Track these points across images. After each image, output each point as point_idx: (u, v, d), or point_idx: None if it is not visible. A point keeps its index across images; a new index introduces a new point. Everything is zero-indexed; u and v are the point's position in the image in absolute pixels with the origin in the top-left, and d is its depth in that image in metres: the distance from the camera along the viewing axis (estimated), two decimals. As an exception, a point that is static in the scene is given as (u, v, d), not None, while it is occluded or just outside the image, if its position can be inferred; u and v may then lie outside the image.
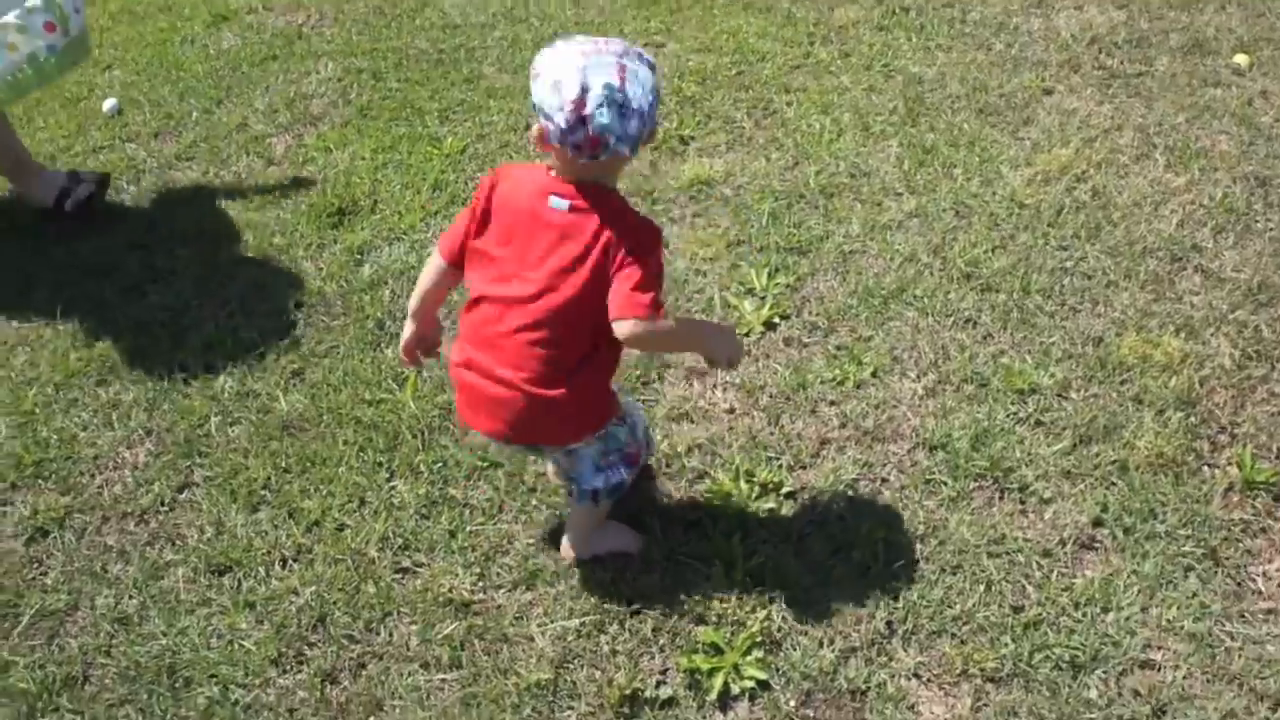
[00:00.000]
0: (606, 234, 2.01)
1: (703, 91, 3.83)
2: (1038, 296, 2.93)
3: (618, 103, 1.95)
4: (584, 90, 1.94)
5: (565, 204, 2.04)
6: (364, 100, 4.02)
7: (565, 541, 2.40)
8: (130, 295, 3.23)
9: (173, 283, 3.26)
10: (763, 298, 2.96)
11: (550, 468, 2.55)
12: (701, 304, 2.96)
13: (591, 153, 1.98)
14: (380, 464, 2.62)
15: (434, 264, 2.22)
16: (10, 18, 2.76)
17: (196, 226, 3.46)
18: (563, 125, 1.95)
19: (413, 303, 2.28)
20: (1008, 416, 2.61)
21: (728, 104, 3.76)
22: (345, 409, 2.76)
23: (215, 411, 2.81)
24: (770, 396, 2.70)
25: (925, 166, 3.42)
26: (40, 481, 2.71)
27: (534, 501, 2.49)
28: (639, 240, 2.02)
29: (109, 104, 4.09)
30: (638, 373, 2.77)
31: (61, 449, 2.78)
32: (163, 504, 2.62)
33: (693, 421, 2.65)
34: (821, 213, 3.25)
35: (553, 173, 2.07)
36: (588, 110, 1.94)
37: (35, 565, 2.53)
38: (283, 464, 2.65)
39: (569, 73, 1.96)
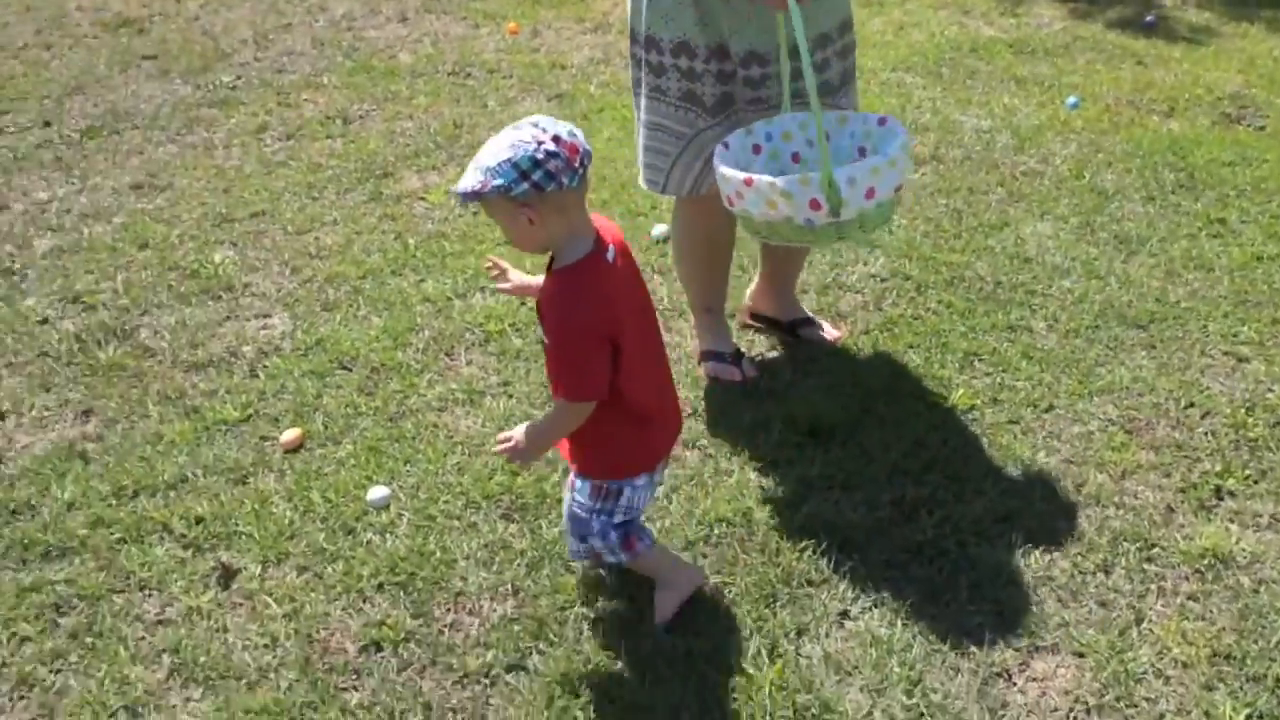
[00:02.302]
0: None
1: (1271, 436, 3.18)
2: None
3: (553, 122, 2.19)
4: (535, 124, 2.17)
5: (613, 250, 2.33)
6: (896, 312, 3.74)
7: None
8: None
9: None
10: (1228, 745, 2.34)
11: None
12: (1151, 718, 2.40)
13: (584, 166, 2.18)
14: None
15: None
16: (780, 182, 2.68)
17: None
18: (551, 150, 2.13)
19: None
20: None
21: (1297, 463, 3.10)
22: None
23: None
24: None
25: None
26: None
27: None
28: None
29: (658, 230, 4.12)
30: None
31: None
32: None
33: None
34: (1358, 652, 2.55)
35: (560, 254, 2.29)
36: (552, 130, 2.15)
37: None
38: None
39: (512, 133, 2.17)
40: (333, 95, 5.47)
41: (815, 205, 2.62)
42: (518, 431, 2.37)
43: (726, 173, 2.74)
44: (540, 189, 2.14)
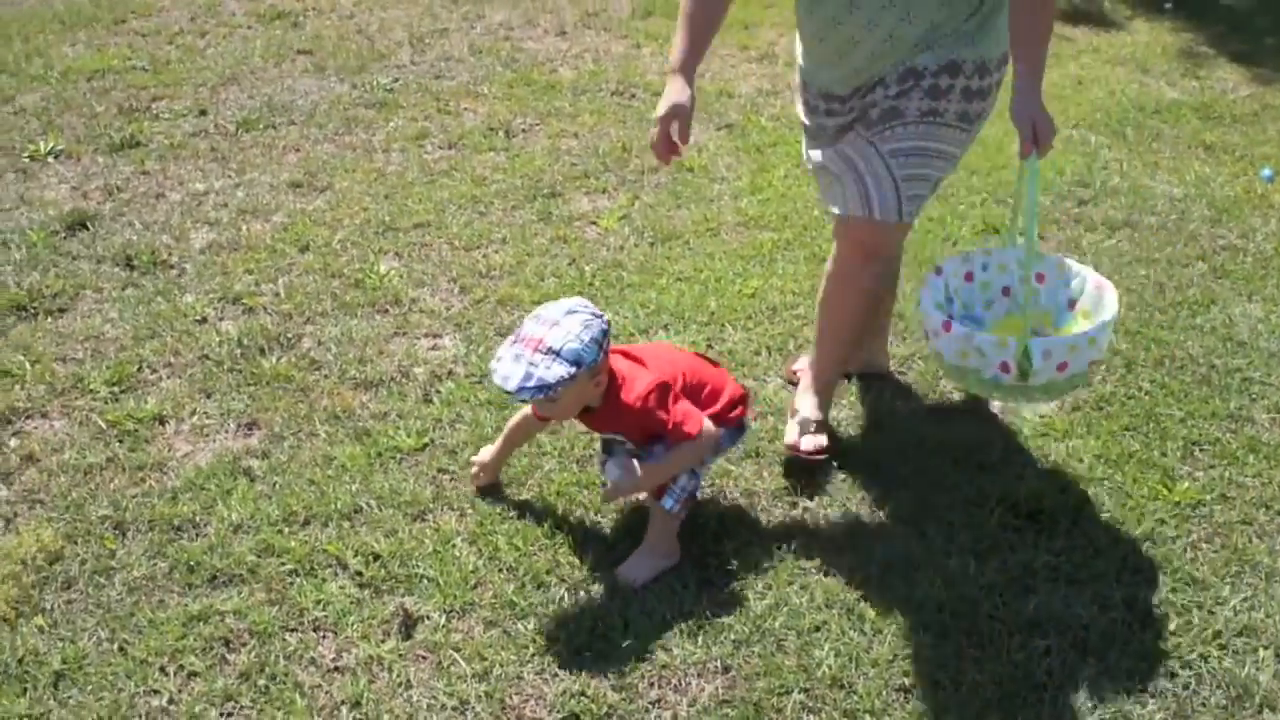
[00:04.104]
0: None
1: None
2: None
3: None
4: (586, 305, 2.55)
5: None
6: (1107, 390, 3.47)
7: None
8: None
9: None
10: None
11: None
12: None
13: None
14: None
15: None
16: (978, 338, 2.71)
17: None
18: (605, 322, 2.54)
19: None
20: None
21: None
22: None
23: None
24: None
25: None
26: None
27: None
28: None
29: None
30: None
31: None
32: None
33: None
34: None
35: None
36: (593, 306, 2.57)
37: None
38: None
39: (570, 318, 2.49)
40: (493, 106, 5.30)
41: (1005, 368, 2.65)
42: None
43: (930, 314, 2.78)
44: (606, 354, 2.52)
